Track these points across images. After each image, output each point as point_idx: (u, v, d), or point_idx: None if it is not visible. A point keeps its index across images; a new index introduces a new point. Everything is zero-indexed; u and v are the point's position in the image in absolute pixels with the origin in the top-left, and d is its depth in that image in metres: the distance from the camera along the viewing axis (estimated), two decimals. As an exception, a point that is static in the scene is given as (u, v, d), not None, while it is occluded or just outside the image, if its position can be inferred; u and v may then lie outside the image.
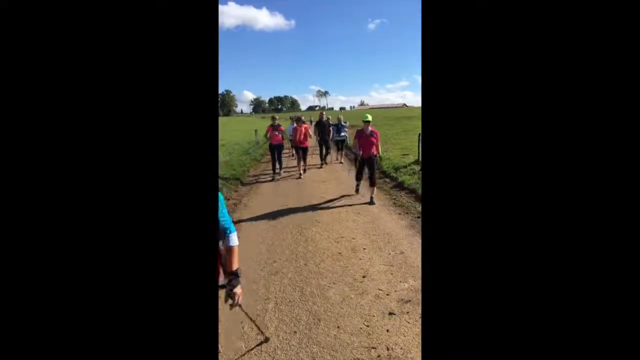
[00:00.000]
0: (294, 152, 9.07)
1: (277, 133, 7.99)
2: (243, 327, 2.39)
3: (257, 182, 7.88)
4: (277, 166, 8.20)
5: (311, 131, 8.21)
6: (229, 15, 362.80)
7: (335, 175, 8.17)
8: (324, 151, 9.59)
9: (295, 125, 8.46)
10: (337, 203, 5.63)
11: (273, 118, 8.38)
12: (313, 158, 10.10)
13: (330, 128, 9.46)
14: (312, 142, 8.83)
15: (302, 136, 8.05)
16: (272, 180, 7.93)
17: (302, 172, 8.26)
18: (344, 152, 10.28)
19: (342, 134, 9.79)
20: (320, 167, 9.25)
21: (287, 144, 10.15)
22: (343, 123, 9.87)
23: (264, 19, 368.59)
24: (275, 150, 8.08)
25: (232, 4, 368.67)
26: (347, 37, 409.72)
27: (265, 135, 8.34)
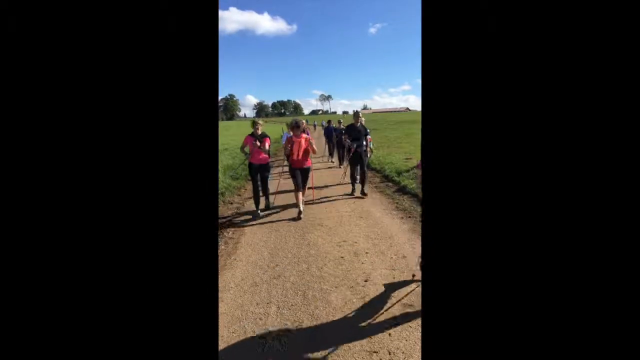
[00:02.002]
0: (287, 171, 5.65)
1: (259, 146, 4.91)
2: (245, 331, 2.39)
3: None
4: (264, 198, 5.35)
5: (314, 143, 5.11)
6: (230, 20, 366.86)
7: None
8: (356, 174, 6.30)
9: (290, 134, 5.43)
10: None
11: (254, 124, 5.06)
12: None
13: (368, 137, 6.23)
14: (317, 149, 5.25)
15: (301, 152, 4.94)
16: (255, 217, 5.05)
17: (301, 208, 5.05)
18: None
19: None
20: (351, 195, 6.19)
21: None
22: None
23: (266, 23, 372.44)
24: (258, 174, 5.07)
25: (233, 9, 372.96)
26: (348, 41, 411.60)
27: (242, 149, 5.27)
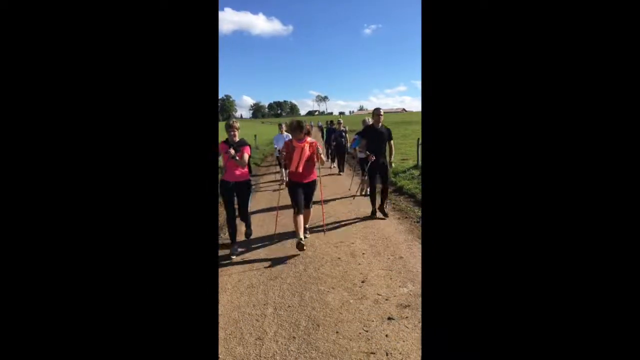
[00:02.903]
0: (283, 183, 4.38)
1: (233, 155, 3.48)
2: (242, 333, 2.38)
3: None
4: (246, 226, 3.89)
5: (322, 150, 3.96)
6: (225, 21, 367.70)
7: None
8: (377, 192, 4.74)
9: (288, 136, 4.30)
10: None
11: (229, 127, 3.51)
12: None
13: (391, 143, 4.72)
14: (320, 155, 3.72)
15: (303, 163, 3.60)
16: (231, 253, 3.66)
17: (302, 236, 3.62)
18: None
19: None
20: (371, 218, 4.73)
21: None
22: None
23: (261, 24, 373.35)
24: (234, 196, 3.65)
25: (228, 10, 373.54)
26: (344, 42, 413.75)
27: None
